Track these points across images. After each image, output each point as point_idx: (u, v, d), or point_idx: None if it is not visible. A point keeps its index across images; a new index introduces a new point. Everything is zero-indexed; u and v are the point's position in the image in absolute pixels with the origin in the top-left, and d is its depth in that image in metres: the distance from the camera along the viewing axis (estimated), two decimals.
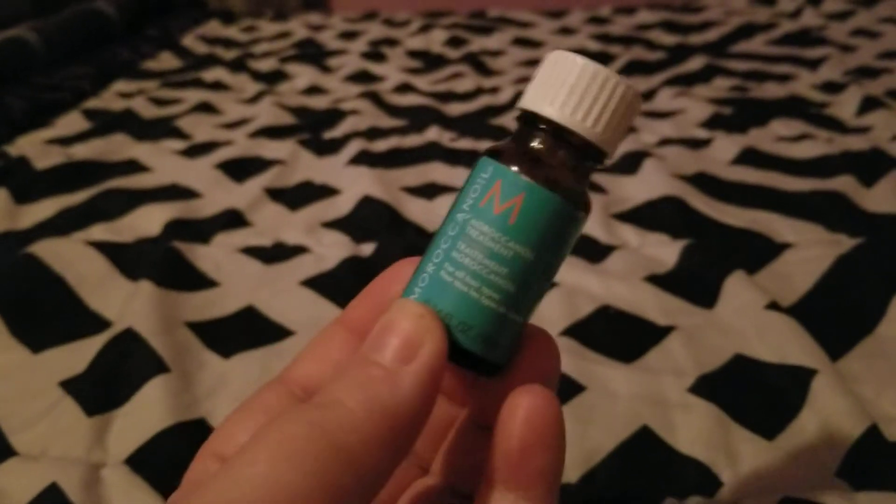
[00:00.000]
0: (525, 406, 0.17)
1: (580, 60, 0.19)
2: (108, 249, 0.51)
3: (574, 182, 0.19)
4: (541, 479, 0.18)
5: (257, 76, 1.01)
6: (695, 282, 0.46)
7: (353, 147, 0.70)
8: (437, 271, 0.19)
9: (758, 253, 0.49)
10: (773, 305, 0.42)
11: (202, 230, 0.56)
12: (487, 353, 0.19)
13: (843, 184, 0.57)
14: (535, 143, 0.19)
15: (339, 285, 0.48)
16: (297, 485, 0.14)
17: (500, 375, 0.19)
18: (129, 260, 0.51)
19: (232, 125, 0.81)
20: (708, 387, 0.38)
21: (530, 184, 0.18)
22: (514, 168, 0.19)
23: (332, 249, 0.52)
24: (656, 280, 0.47)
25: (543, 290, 0.20)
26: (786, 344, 0.39)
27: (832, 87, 0.81)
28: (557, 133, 0.19)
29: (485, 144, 0.69)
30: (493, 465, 0.18)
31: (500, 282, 0.18)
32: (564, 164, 0.19)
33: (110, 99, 0.92)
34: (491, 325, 0.18)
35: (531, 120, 0.20)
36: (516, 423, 0.17)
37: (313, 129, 0.78)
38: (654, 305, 0.44)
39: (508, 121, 0.78)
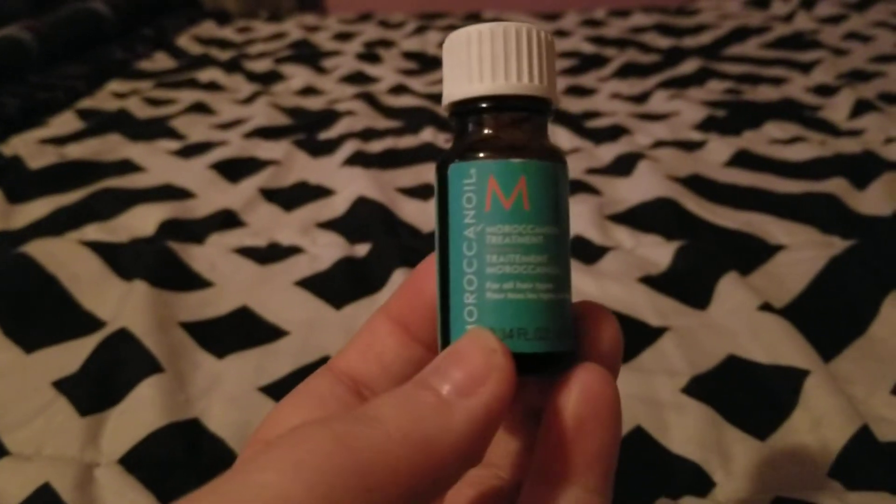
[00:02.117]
0: (579, 382, 0.16)
1: (481, 27, 0.18)
2: (102, 249, 0.51)
3: (545, 141, 0.19)
4: (595, 464, 0.16)
5: (252, 77, 1.01)
6: (688, 283, 0.47)
7: (348, 148, 0.70)
8: (482, 295, 0.17)
9: (751, 254, 0.49)
10: (766, 306, 0.42)
11: (196, 230, 0.56)
12: (566, 345, 0.18)
13: (836, 186, 0.57)
14: (492, 125, 0.18)
15: (333, 286, 0.48)
16: (302, 501, 0.13)
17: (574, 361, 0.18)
18: (122, 260, 0.50)
19: (226, 125, 0.81)
20: (701, 387, 0.38)
21: (524, 163, 0.17)
22: (498, 157, 0.17)
23: (327, 250, 0.52)
24: (650, 281, 0.47)
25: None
26: (778, 345, 0.40)
27: (825, 91, 0.81)
28: (504, 105, 0.18)
29: None
30: (543, 449, 0.17)
31: (547, 270, 0.17)
32: (531, 129, 0.18)
33: (104, 99, 0.92)
34: (561, 316, 0.17)
35: (468, 110, 0.19)
36: (570, 399, 0.16)
37: (308, 130, 0.78)
38: (647, 306, 0.45)
39: None
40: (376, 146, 0.71)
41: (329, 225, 0.57)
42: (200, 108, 0.87)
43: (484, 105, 0.18)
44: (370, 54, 1.09)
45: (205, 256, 0.52)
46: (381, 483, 0.14)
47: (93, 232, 0.55)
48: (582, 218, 0.54)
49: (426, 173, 0.65)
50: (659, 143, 0.70)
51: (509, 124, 0.18)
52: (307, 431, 0.14)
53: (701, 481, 0.33)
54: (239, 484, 0.14)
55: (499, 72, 0.18)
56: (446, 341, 0.18)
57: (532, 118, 0.19)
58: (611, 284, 0.47)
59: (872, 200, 0.55)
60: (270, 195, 0.62)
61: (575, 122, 0.77)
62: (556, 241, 0.18)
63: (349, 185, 0.62)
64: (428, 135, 0.74)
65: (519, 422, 0.20)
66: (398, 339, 0.20)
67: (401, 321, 0.20)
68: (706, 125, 0.74)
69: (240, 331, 0.44)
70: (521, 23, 0.18)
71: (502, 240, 0.17)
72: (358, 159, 0.67)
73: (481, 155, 0.18)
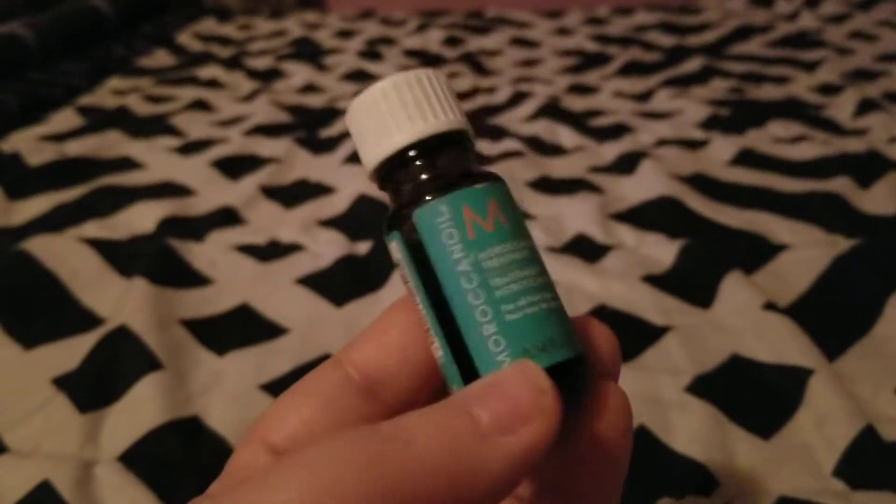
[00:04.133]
0: (615, 409, 0.16)
1: (391, 79, 0.18)
2: (102, 246, 0.51)
3: (478, 166, 0.19)
4: (595, 490, 0.16)
5: (253, 74, 1.00)
6: (692, 282, 0.46)
7: (349, 145, 0.69)
8: (502, 321, 0.17)
9: (755, 253, 0.49)
10: (770, 305, 0.42)
11: (197, 228, 0.55)
12: (580, 346, 0.17)
13: (840, 185, 0.57)
14: (436, 165, 0.18)
15: (334, 283, 0.48)
16: None
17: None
18: (122, 257, 0.50)
19: (227, 123, 0.80)
20: (705, 386, 0.37)
21: (487, 186, 0.18)
22: (458, 187, 0.17)
23: (328, 248, 0.52)
24: (653, 280, 0.47)
25: None
26: (783, 344, 0.39)
27: (829, 90, 0.81)
28: (439, 142, 0.18)
29: (481, 144, 0.68)
30: (580, 474, 0.16)
31: (543, 280, 0.17)
32: (469, 158, 0.19)
33: (104, 96, 0.92)
34: (567, 321, 0.17)
35: (403, 160, 0.18)
36: (614, 425, 0.16)
37: (309, 128, 0.77)
38: (651, 305, 0.44)
39: (506, 120, 0.78)
40: None
41: (330, 223, 0.56)
42: (201, 106, 0.86)
43: (421, 148, 0.18)
44: (371, 52, 1.09)
45: (205, 254, 0.51)
46: None
47: (92, 229, 0.55)
48: (585, 216, 0.54)
49: None
50: (662, 142, 0.70)
51: (451, 159, 0.18)
52: (332, 448, 0.13)
53: (704, 480, 0.32)
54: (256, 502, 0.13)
55: (428, 113, 0.18)
56: (471, 377, 0.17)
57: (466, 148, 0.19)
58: (614, 283, 0.46)
59: (877, 199, 0.55)
60: (271, 193, 0.62)
61: (578, 121, 0.77)
62: (535, 251, 0.18)
63: (350, 182, 0.62)
64: None
65: None
66: (420, 332, 0.19)
67: None
68: (710, 124, 0.73)
69: (240, 328, 0.44)
70: (414, 71, 0.19)
71: (498, 261, 0.17)
72: (359, 157, 0.67)
73: (443, 191, 0.17)
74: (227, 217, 0.57)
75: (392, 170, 0.18)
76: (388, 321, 0.19)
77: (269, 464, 0.16)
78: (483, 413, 0.14)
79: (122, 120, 0.81)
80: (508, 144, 0.69)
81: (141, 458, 0.34)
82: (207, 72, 1.01)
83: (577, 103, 0.83)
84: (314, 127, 0.78)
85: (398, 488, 0.13)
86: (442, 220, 0.17)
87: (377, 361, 0.18)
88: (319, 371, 0.19)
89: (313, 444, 0.14)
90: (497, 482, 0.14)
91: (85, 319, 0.45)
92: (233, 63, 1.05)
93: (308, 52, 1.11)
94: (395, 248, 0.18)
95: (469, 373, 0.17)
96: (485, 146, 0.69)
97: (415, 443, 0.13)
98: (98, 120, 0.81)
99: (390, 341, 0.19)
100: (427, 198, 0.17)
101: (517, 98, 0.85)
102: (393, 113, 0.18)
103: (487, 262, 0.17)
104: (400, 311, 0.19)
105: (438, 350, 0.17)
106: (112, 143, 0.73)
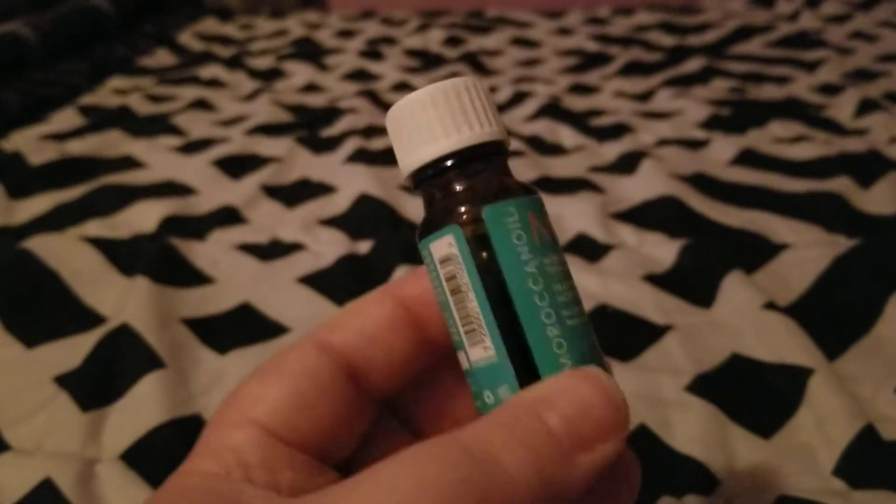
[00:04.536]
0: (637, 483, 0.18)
1: (434, 87, 0.18)
2: (104, 245, 0.51)
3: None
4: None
5: (254, 74, 1.00)
6: (692, 281, 0.46)
7: (351, 145, 0.70)
8: (563, 325, 0.17)
9: (755, 253, 0.49)
10: (771, 305, 0.42)
11: (198, 227, 0.55)
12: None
13: (841, 185, 0.57)
14: (490, 172, 0.19)
15: (335, 283, 0.48)
16: None
17: None
18: (124, 256, 0.50)
19: (228, 122, 0.80)
20: (705, 386, 0.37)
21: (539, 198, 0.18)
22: (520, 195, 0.18)
23: (329, 247, 0.52)
24: (654, 279, 0.47)
25: None
26: (783, 343, 0.39)
27: (830, 90, 0.81)
28: (472, 153, 0.18)
29: None
30: None
31: (578, 295, 0.18)
32: (508, 169, 0.19)
33: (106, 95, 0.92)
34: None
35: (440, 169, 0.18)
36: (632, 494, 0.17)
37: (310, 127, 0.78)
38: (651, 304, 0.44)
39: (507, 120, 0.78)
40: (378, 143, 0.71)
41: (331, 222, 0.56)
42: (202, 105, 0.86)
43: (465, 156, 0.18)
44: (372, 51, 1.09)
45: (206, 253, 0.52)
46: None
47: (94, 228, 0.55)
48: (585, 216, 0.54)
49: None
50: (663, 142, 0.70)
51: (494, 168, 0.19)
52: (419, 468, 0.13)
53: (704, 480, 0.32)
54: None
55: (476, 122, 0.18)
56: (529, 378, 0.17)
57: (506, 159, 0.19)
58: (614, 283, 0.46)
59: (877, 199, 0.55)
60: (272, 192, 0.62)
61: (578, 120, 0.77)
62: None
63: (351, 182, 0.62)
64: None
65: None
66: (405, 323, 0.19)
67: (411, 306, 0.19)
68: (710, 124, 0.73)
69: (241, 327, 0.44)
70: (454, 79, 0.19)
71: (557, 269, 0.17)
72: (360, 156, 0.67)
73: (509, 195, 0.18)
74: (229, 216, 0.57)
75: (433, 175, 0.19)
76: (367, 308, 0.19)
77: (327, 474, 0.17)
78: (555, 418, 0.15)
79: (124, 119, 0.81)
80: None
81: (143, 457, 0.34)
82: (208, 71, 1.01)
83: (577, 103, 0.83)
84: (315, 126, 0.78)
85: None
86: (511, 221, 0.17)
87: (358, 347, 0.18)
88: (297, 349, 0.18)
89: (395, 462, 0.13)
90: (574, 496, 0.14)
91: (86, 318, 0.45)
92: (234, 63, 1.05)
93: (309, 51, 1.11)
94: (448, 245, 0.18)
95: (528, 373, 0.17)
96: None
97: (503, 463, 0.14)
98: (99, 119, 0.81)
99: (375, 334, 0.19)
100: (494, 199, 0.17)
101: (518, 98, 0.85)
102: (438, 121, 0.18)
103: (549, 268, 0.17)
104: (381, 301, 0.19)
105: (489, 349, 0.17)
106: (113, 143, 0.73)
